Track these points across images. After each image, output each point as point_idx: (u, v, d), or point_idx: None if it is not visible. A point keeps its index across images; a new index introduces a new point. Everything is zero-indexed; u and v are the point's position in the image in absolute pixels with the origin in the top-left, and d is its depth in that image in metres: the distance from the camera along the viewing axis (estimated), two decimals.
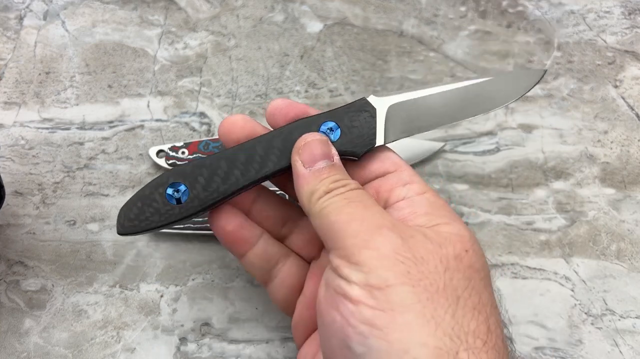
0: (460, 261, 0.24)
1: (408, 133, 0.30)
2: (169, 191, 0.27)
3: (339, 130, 0.29)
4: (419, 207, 0.27)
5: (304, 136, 0.28)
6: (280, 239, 0.31)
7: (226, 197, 0.28)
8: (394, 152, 0.30)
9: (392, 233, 0.24)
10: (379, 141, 0.29)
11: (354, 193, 0.26)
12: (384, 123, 0.29)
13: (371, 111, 0.29)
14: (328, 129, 0.28)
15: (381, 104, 0.29)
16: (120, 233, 0.28)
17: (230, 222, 0.29)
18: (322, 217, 0.26)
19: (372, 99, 0.29)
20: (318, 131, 0.28)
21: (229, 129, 0.29)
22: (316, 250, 0.31)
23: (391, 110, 0.29)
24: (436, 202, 0.27)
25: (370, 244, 0.24)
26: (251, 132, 0.29)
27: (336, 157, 0.28)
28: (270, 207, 0.31)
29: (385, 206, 0.28)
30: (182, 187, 0.27)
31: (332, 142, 0.28)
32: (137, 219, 0.27)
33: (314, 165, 0.27)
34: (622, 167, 0.39)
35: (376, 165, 0.29)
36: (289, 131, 0.28)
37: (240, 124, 0.29)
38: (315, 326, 0.28)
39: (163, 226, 0.27)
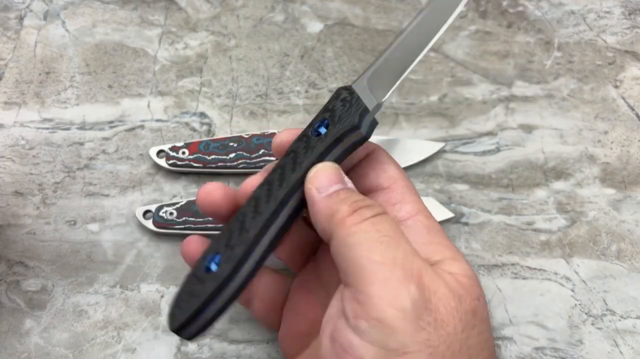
0: (474, 316, 0.23)
1: (394, 82, 0.28)
2: (207, 264, 0.25)
3: (325, 121, 0.27)
4: (416, 235, 0.25)
5: (313, 167, 0.26)
6: None
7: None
8: (393, 162, 0.29)
9: (418, 292, 0.22)
10: (371, 104, 0.27)
11: (382, 220, 0.24)
12: (368, 90, 0.27)
13: (349, 89, 0.28)
14: (314, 130, 0.27)
15: (358, 82, 0.28)
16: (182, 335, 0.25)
17: (198, 245, 0.28)
18: (349, 246, 0.23)
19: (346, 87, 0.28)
20: (310, 135, 0.27)
21: (206, 199, 0.27)
22: (302, 262, 0.31)
23: (370, 80, 0.28)
24: (431, 226, 0.26)
25: (397, 303, 0.22)
26: (233, 202, 0.27)
27: (350, 184, 0.26)
28: None
29: None
30: (217, 258, 0.25)
31: (327, 131, 0.27)
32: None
33: (329, 189, 0.25)
34: (622, 168, 0.39)
35: (370, 178, 0.28)
36: (283, 165, 0.27)
37: (218, 194, 0.27)
38: (305, 341, 0.28)
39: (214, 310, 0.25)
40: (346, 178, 0.26)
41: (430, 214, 0.27)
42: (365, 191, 0.28)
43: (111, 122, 0.40)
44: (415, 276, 0.22)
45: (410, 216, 0.27)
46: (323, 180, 0.25)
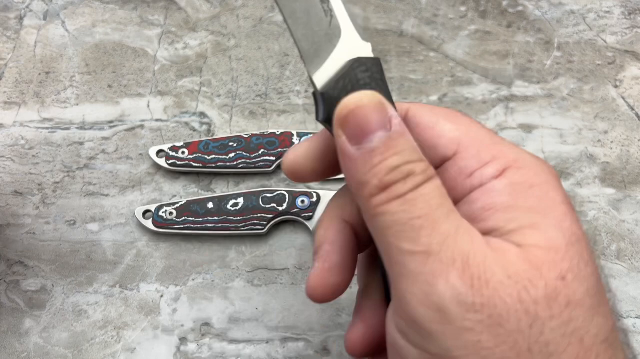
0: (554, 302, 0.17)
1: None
2: None
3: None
4: (497, 198, 0.20)
5: (346, 99, 0.20)
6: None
7: None
8: (446, 116, 0.22)
9: (461, 285, 0.17)
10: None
11: (418, 194, 0.18)
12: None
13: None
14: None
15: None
16: None
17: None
18: (375, 230, 0.19)
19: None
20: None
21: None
22: None
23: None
24: (523, 181, 0.20)
25: (430, 302, 0.18)
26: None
27: (396, 121, 0.19)
28: None
29: (455, 200, 0.20)
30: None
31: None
32: None
33: (365, 141, 0.19)
34: (622, 167, 0.39)
35: (425, 152, 0.20)
36: None
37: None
38: None
39: None
40: (391, 111, 0.19)
41: (530, 161, 0.20)
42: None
43: (111, 122, 0.40)
44: (458, 265, 0.18)
45: (498, 172, 0.20)
46: (357, 126, 0.19)
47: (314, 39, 0.22)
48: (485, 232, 0.19)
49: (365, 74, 0.21)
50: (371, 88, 0.20)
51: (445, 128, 0.21)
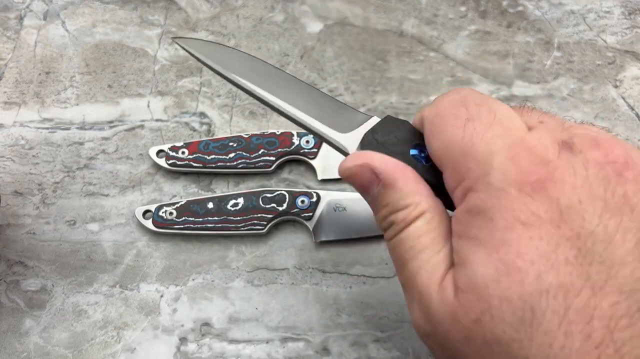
0: (471, 341, 0.20)
1: None
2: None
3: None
4: (455, 225, 0.21)
5: (340, 166, 0.24)
6: None
7: None
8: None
9: (420, 315, 0.21)
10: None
11: (398, 239, 0.22)
12: None
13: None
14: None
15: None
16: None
17: None
18: (391, 255, 0.24)
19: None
20: None
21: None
22: None
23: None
24: (475, 207, 0.20)
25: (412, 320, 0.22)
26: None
27: (383, 176, 0.23)
28: None
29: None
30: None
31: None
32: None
33: (367, 194, 0.24)
34: None
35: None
36: None
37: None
38: None
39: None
40: (381, 169, 0.23)
41: (493, 179, 0.20)
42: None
43: (111, 122, 0.40)
44: (417, 301, 0.21)
45: (459, 200, 0.21)
46: (357, 184, 0.24)
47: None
48: (455, 261, 0.21)
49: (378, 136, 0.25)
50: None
51: (434, 147, 0.23)
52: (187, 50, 0.28)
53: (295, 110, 0.26)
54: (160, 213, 0.36)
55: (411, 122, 0.25)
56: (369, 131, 0.25)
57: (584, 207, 0.19)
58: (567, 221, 0.19)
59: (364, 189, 0.24)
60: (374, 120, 0.26)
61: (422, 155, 0.24)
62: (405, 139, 0.25)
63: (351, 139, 0.25)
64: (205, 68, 0.42)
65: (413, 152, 0.24)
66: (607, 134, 0.22)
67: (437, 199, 0.23)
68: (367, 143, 0.25)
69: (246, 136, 0.38)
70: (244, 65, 0.27)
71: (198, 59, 0.28)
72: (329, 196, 0.37)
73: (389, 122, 0.25)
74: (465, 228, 0.20)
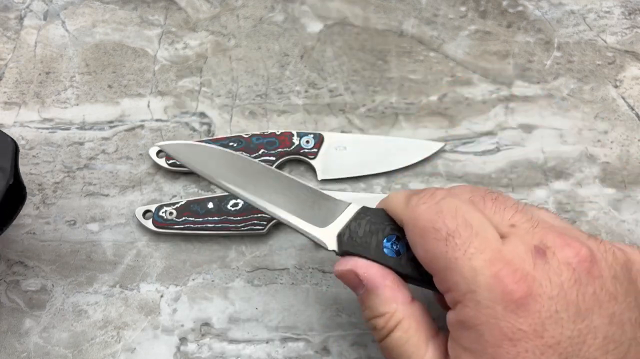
0: None
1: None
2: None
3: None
4: (449, 328, 0.25)
5: (334, 267, 0.28)
6: None
7: None
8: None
9: None
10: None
11: (382, 345, 0.26)
12: None
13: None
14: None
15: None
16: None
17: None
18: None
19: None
20: None
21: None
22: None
23: None
24: (465, 320, 0.23)
25: None
26: None
27: (366, 282, 0.26)
28: None
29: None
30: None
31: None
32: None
33: (356, 292, 0.27)
34: (622, 167, 0.39)
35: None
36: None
37: None
38: None
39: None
40: (364, 275, 0.26)
41: (480, 297, 0.23)
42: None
43: (111, 122, 0.40)
44: None
45: (449, 307, 0.25)
46: (347, 284, 0.27)
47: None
48: None
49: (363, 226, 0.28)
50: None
51: (419, 255, 0.25)
52: (171, 156, 0.30)
53: (274, 208, 0.29)
54: (160, 213, 0.36)
55: (383, 207, 0.28)
56: (344, 226, 0.27)
57: (561, 316, 0.22)
58: (548, 330, 0.21)
59: (352, 290, 0.27)
60: (351, 209, 0.28)
61: (397, 245, 0.27)
62: (379, 230, 0.27)
63: (328, 234, 0.28)
64: (205, 68, 0.42)
65: (387, 243, 0.27)
66: (571, 228, 0.25)
67: (414, 303, 0.26)
68: (344, 239, 0.27)
69: (246, 136, 0.38)
70: (224, 164, 0.29)
71: (182, 164, 0.30)
72: None
73: (364, 213, 0.28)
74: (459, 337, 0.24)
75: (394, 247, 0.27)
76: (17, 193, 0.29)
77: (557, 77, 0.42)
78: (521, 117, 0.40)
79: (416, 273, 0.27)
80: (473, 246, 0.23)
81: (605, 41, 0.43)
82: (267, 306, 0.36)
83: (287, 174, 0.30)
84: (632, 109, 0.41)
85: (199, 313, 0.35)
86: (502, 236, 0.24)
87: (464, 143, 0.40)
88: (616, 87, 0.41)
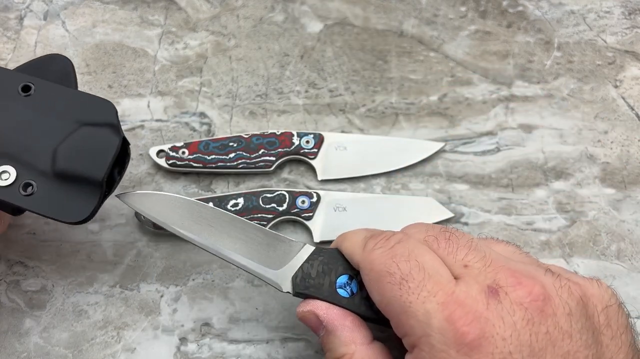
0: None
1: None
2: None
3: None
4: None
5: (296, 310, 0.28)
6: None
7: None
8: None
9: None
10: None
11: None
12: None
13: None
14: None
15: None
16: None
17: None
18: None
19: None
20: None
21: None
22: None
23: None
24: None
25: None
26: None
27: (326, 324, 0.27)
28: None
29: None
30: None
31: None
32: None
33: (318, 334, 0.28)
34: (622, 167, 0.39)
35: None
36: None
37: None
38: None
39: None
40: (324, 317, 0.27)
41: (435, 341, 0.23)
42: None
43: None
44: None
45: (407, 350, 0.25)
46: (308, 325, 0.28)
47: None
48: None
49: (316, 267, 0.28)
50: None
51: (375, 299, 0.26)
52: (130, 206, 0.31)
53: (229, 253, 0.29)
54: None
55: (339, 247, 0.29)
56: (298, 268, 0.28)
57: (514, 357, 0.22)
58: None
59: (313, 331, 0.28)
60: (305, 251, 0.29)
61: (350, 285, 0.28)
62: (332, 271, 0.28)
63: (282, 276, 0.28)
64: (205, 68, 0.42)
65: (340, 283, 0.28)
66: (527, 262, 0.25)
67: (373, 345, 0.26)
68: (297, 281, 0.28)
69: (246, 136, 0.38)
70: (180, 212, 0.30)
71: (142, 214, 0.31)
72: (329, 196, 0.37)
73: (317, 254, 0.29)
74: None
75: (347, 287, 0.28)
76: (125, 148, 0.31)
77: (557, 77, 0.42)
78: (521, 117, 0.40)
79: (371, 313, 0.27)
80: (426, 289, 0.23)
81: (605, 41, 0.43)
82: (267, 306, 0.36)
83: (242, 219, 0.30)
84: (632, 109, 0.41)
85: (199, 313, 0.35)
86: (456, 277, 0.24)
87: (464, 143, 0.40)
88: (616, 87, 0.42)
